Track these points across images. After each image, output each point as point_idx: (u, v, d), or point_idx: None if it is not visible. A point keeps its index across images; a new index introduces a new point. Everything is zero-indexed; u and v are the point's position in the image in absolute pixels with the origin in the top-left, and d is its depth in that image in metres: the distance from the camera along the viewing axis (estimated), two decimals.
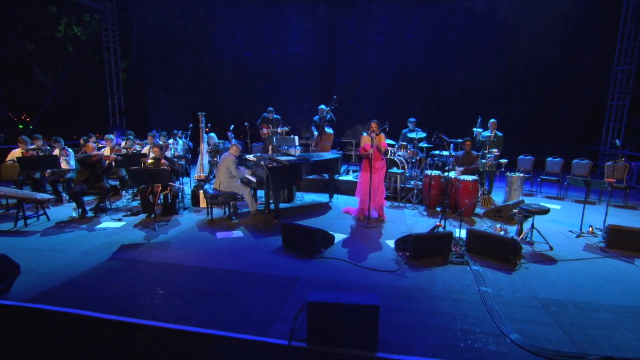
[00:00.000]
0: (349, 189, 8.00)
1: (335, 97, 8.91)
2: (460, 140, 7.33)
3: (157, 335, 3.02)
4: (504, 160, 7.26)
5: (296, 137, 8.45)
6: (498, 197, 7.59)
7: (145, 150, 8.09)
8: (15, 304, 3.29)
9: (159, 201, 6.26)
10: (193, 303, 3.39)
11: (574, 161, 8.02)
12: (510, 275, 4.03)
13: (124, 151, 8.16)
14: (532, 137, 12.73)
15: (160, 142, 8.82)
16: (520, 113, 12.81)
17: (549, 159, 8.35)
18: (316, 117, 9.20)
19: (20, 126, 15.42)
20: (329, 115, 8.85)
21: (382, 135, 5.89)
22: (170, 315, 3.19)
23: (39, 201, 5.80)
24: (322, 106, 9.06)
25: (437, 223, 5.21)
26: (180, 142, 10.46)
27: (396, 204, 7.14)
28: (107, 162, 6.56)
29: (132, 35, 14.90)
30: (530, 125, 12.79)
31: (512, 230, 5.37)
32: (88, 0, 13.58)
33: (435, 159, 8.10)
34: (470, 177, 6.28)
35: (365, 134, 5.98)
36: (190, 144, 11.28)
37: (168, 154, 8.68)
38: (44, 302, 3.34)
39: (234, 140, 10.35)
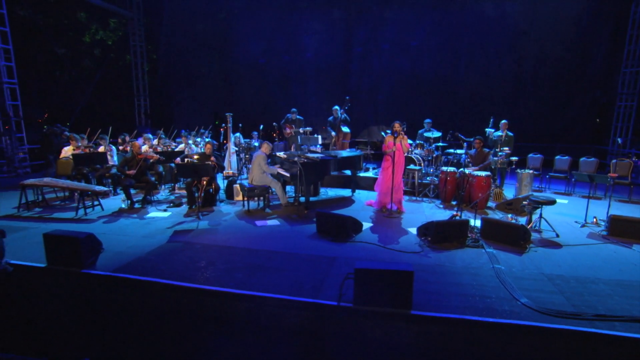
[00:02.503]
0: (368, 184, 8.61)
1: (347, 98, 9.54)
2: (472, 139, 7.88)
3: (226, 299, 3.66)
4: (514, 158, 7.80)
5: (319, 137, 9.08)
6: (509, 192, 8.10)
7: (180, 147, 8.78)
8: (106, 273, 3.97)
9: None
10: (251, 275, 4.03)
11: (582, 159, 8.51)
12: (521, 257, 4.61)
13: (160, 149, 8.89)
14: (542, 136, 13.18)
15: (191, 141, 9.54)
16: (531, 113, 13.28)
17: (558, 157, 8.86)
18: (330, 118, 9.83)
19: (44, 126, 16.31)
20: (343, 116, 9.48)
21: (405, 136, 6.48)
22: (234, 283, 3.83)
23: (97, 192, 6.52)
24: (336, 107, 9.70)
25: (455, 213, 5.80)
26: (207, 140, 11.16)
27: (414, 198, 7.73)
28: (152, 160, 7.26)
29: (158, 41, 15.67)
30: (540, 124, 13.24)
31: (522, 220, 5.92)
32: (116, 7, 14.35)
33: (450, 157, 8.66)
34: (483, 173, 6.84)
35: (387, 133, 6.58)
36: (214, 142, 11.99)
37: (195, 149, 9.39)
38: (127, 273, 4.01)
39: (257, 139, 11.06)
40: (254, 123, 14.15)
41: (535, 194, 6.92)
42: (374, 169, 9.66)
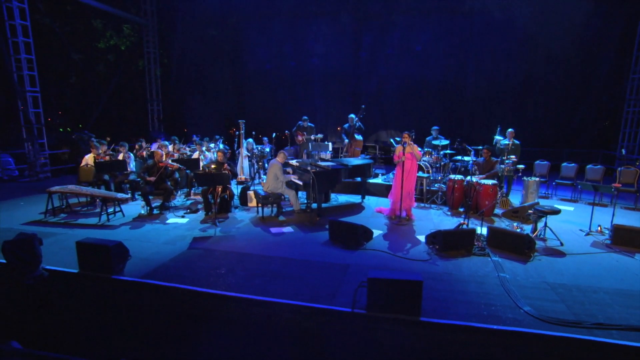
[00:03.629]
0: (377, 190, 8.86)
1: (363, 106, 9.79)
2: (480, 147, 8.08)
3: (247, 305, 3.93)
4: (521, 166, 7.97)
5: (330, 144, 9.34)
6: (515, 199, 8.29)
7: (195, 155, 9.09)
8: (136, 279, 4.26)
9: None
10: (269, 282, 4.29)
11: (588, 166, 8.65)
12: (525, 265, 4.82)
13: (177, 156, 9.21)
14: (550, 141, 13.32)
15: (204, 147, 9.85)
16: (539, 118, 13.42)
17: (564, 164, 9.00)
18: (346, 125, 10.09)
19: (69, 129, 16.78)
20: (358, 124, 9.73)
21: (415, 145, 6.71)
22: (254, 290, 4.10)
23: (119, 200, 6.85)
24: (352, 115, 9.96)
25: (462, 221, 6.02)
26: (221, 146, 11.51)
27: (422, 204, 7.95)
28: (171, 168, 7.57)
29: (171, 46, 16.05)
30: (548, 129, 13.38)
31: (527, 228, 6.12)
32: (131, 15, 14.76)
33: (458, 164, 8.86)
34: (490, 182, 7.04)
35: (396, 140, 6.82)
36: (227, 147, 12.35)
37: (209, 154, 9.72)
38: (154, 279, 4.30)
39: (267, 145, 11.37)
40: (264, 127, 14.52)
41: (541, 202, 7.11)
42: (382, 174, 9.88)
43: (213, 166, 6.97)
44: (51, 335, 3.66)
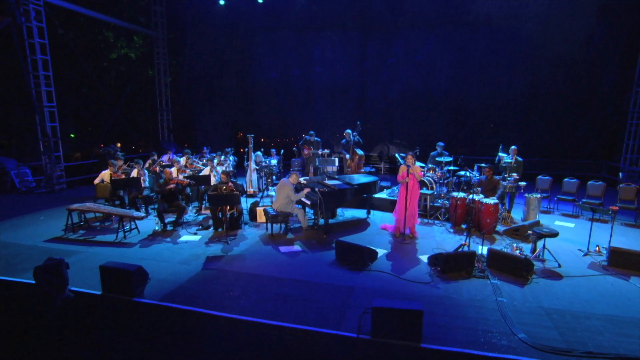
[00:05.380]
0: (382, 205, 9.12)
1: (358, 122, 10.09)
2: (483, 165, 8.30)
3: (258, 328, 4.22)
4: (522, 183, 8.17)
5: (336, 159, 9.62)
6: (518, 214, 8.50)
7: (207, 171, 9.40)
8: (155, 302, 4.57)
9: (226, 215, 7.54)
10: (280, 306, 4.58)
11: (589, 183, 8.83)
12: (522, 289, 5.06)
13: (189, 171, 9.54)
14: (554, 152, 13.48)
15: (215, 161, 10.17)
16: (543, 128, 13.57)
17: (566, 179, 9.17)
18: (343, 141, 10.38)
19: (72, 135, 17.20)
20: (355, 138, 10.01)
21: (418, 166, 6.97)
22: (266, 314, 4.39)
23: (135, 218, 7.19)
24: (348, 130, 10.26)
25: (463, 242, 6.26)
26: (231, 158, 11.85)
27: (426, 220, 8.19)
28: (182, 185, 7.90)
29: (181, 57, 16.43)
30: (552, 140, 13.52)
31: (527, 248, 6.34)
32: (142, 28, 15.16)
33: (462, 178, 9.07)
34: (491, 201, 7.27)
35: (401, 156, 7.07)
36: (236, 158, 12.71)
37: (221, 168, 10.04)
38: (174, 302, 4.61)
39: (275, 156, 11.68)
40: (272, 136, 14.84)
41: (543, 217, 7.35)
42: (387, 187, 10.11)
43: (224, 187, 7.26)
44: (77, 353, 3.96)
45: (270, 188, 10.01)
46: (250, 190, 10.45)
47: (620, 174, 8.52)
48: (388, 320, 3.82)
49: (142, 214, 7.36)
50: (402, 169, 6.98)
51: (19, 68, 10.73)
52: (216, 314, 4.36)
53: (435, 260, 5.67)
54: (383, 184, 10.40)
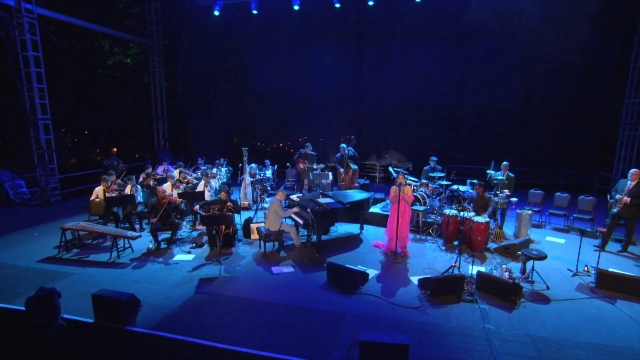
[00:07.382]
0: (375, 219, 9.18)
1: (353, 136, 10.17)
2: (475, 181, 8.37)
3: (249, 359, 4.27)
4: (514, 199, 8.24)
5: (330, 174, 9.68)
6: (510, 229, 8.56)
7: (201, 186, 9.43)
8: (146, 331, 4.62)
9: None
10: (271, 334, 4.63)
11: (580, 197, 8.91)
12: (510, 314, 5.13)
13: (182, 186, 9.57)
14: (548, 162, 13.58)
15: (208, 174, 10.20)
16: (537, 139, 13.67)
17: (557, 194, 9.25)
18: (338, 155, 10.44)
19: (68, 144, 17.23)
20: (350, 152, 10.08)
21: (409, 187, 7.04)
22: (256, 343, 4.44)
23: (129, 237, 7.22)
24: (343, 145, 10.33)
25: (453, 263, 6.33)
26: (223, 170, 11.90)
27: (418, 236, 8.26)
28: (175, 204, 7.94)
29: (177, 65, 16.45)
30: (545, 151, 13.63)
31: (517, 267, 6.41)
32: (137, 37, 15.18)
33: (456, 193, 9.15)
34: (482, 219, 7.34)
35: (395, 170, 7.15)
36: (230, 168, 12.76)
37: (214, 182, 10.08)
38: (166, 330, 4.66)
39: (270, 167, 11.74)
40: (267, 145, 14.85)
41: (536, 232, 7.42)
42: (381, 200, 10.16)
43: (217, 206, 7.30)
44: None
45: (266, 200, 10.06)
46: (245, 203, 10.51)
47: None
48: (375, 354, 3.87)
49: (135, 233, 7.38)
50: (393, 190, 7.04)
51: (13, 78, 10.74)
52: (207, 344, 4.40)
53: (425, 283, 5.74)
54: (377, 196, 10.47)
